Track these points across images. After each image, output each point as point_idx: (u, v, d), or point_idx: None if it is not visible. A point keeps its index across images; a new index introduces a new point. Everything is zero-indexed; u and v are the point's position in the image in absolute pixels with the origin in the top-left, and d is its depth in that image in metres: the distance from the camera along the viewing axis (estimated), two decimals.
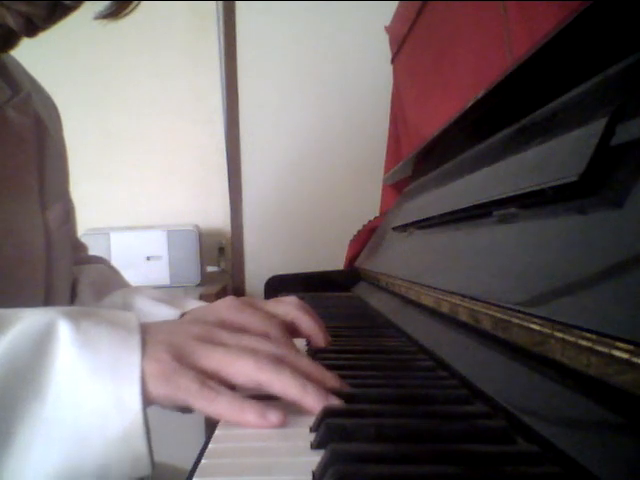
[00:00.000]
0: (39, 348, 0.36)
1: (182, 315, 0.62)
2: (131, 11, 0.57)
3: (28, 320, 0.37)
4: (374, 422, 0.33)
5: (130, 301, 0.67)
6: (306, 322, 0.53)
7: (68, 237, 0.72)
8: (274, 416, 0.36)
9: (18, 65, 0.68)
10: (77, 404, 0.35)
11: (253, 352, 0.40)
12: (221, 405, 0.37)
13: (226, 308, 0.50)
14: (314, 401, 0.38)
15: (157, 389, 0.36)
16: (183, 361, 0.38)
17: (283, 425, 0.36)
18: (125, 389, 0.35)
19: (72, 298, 0.73)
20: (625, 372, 0.26)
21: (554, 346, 0.32)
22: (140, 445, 0.35)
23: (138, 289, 0.72)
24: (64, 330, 0.37)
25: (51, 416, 0.34)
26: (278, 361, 0.40)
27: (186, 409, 0.41)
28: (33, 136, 0.64)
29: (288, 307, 0.54)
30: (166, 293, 0.69)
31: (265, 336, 0.45)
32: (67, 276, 0.71)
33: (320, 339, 0.53)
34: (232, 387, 0.40)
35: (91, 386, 0.35)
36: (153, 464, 0.36)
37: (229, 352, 0.40)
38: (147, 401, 0.36)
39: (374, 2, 1.73)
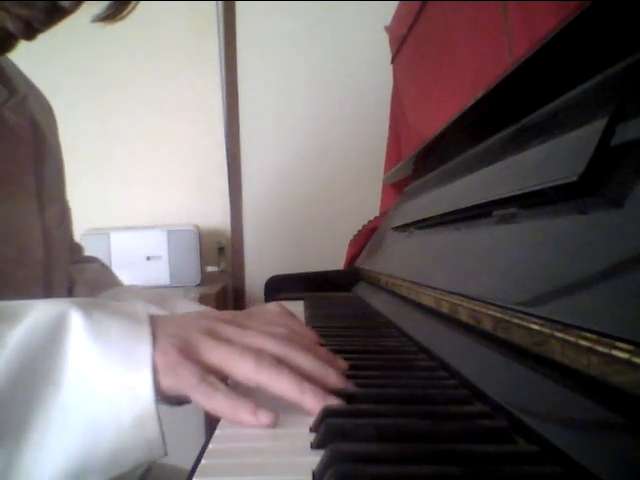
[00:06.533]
0: (53, 337, 0.37)
1: None
2: (128, 14, 0.57)
3: (41, 311, 0.38)
4: (374, 422, 0.33)
5: (121, 300, 0.68)
6: (295, 327, 0.54)
7: (65, 237, 0.72)
8: (265, 416, 0.37)
9: (14, 66, 0.68)
10: (90, 392, 0.36)
11: (255, 352, 0.40)
12: (216, 401, 0.38)
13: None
14: (312, 402, 0.38)
15: (165, 381, 0.38)
16: (187, 354, 0.39)
17: (274, 425, 0.37)
18: (137, 378, 0.37)
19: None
20: (625, 372, 0.26)
21: (554, 346, 0.32)
22: (153, 430, 0.36)
23: (129, 288, 0.73)
24: (77, 320, 0.38)
25: (66, 403, 0.35)
26: (278, 361, 0.40)
27: (183, 401, 0.42)
28: (30, 137, 0.64)
29: (273, 317, 0.55)
30: (158, 293, 0.70)
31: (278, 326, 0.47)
32: (65, 276, 0.71)
33: (311, 339, 0.54)
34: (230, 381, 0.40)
35: (104, 374, 0.36)
36: (166, 448, 0.37)
37: (232, 351, 0.40)
38: (156, 390, 0.37)
39: (374, 2, 1.73)
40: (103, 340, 0.37)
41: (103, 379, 0.36)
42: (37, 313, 0.38)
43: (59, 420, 0.35)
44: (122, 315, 0.40)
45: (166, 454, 0.38)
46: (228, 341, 0.41)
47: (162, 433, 0.37)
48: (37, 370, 0.36)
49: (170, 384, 0.38)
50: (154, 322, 0.41)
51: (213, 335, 0.42)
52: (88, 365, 0.36)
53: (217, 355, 0.40)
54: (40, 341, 0.37)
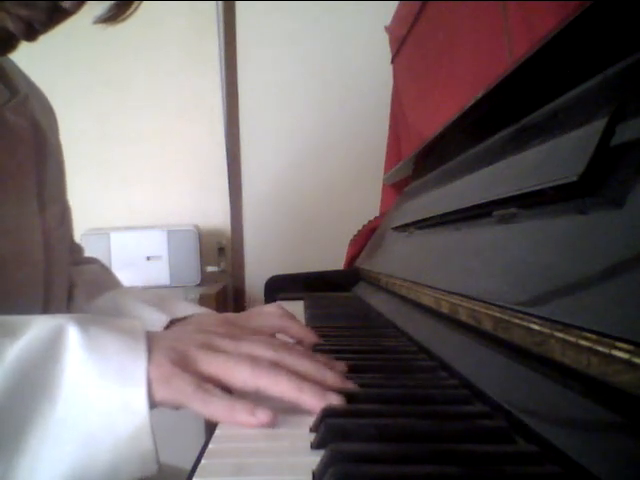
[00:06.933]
0: (50, 352, 0.37)
1: (171, 321, 0.62)
2: (130, 15, 0.57)
3: (39, 326, 0.38)
4: (374, 422, 0.33)
5: (121, 303, 0.68)
6: (295, 328, 0.55)
7: (65, 237, 0.72)
8: (263, 414, 0.37)
9: (14, 67, 0.68)
10: (86, 406, 0.36)
11: (251, 359, 0.41)
12: (214, 406, 0.38)
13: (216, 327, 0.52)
14: (312, 400, 0.38)
15: (159, 392, 0.38)
16: (183, 366, 0.39)
17: (273, 424, 0.37)
18: (132, 393, 0.37)
19: (68, 299, 0.73)
20: (625, 372, 0.26)
21: (554, 346, 0.32)
22: (147, 445, 0.37)
23: (129, 291, 0.73)
24: (73, 335, 0.38)
25: (62, 417, 0.36)
26: (274, 365, 0.41)
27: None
28: (31, 138, 0.64)
29: (273, 319, 0.55)
30: (157, 295, 0.70)
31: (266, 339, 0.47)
32: (65, 276, 0.71)
33: (312, 340, 0.56)
34: (230, 391, 0.40)
35: (100, 389, 0.36)
36: (159, 464, 0.37)
37: (228, 359, 0.41)
38: (151, 404, 0.37)
39: (374, 2, 1.73)
40: (99, 356, 0.38)
41: (99, 394, 0.36)
42: (36, 328, 0.38)
43: (56, 432, 0.35)
44: (119, 331, 0.40)
45: (159, 470, 0.37)
46: (224, 352, 0.42)
47: (156, 448, 0.37)
48: (34, 384, 0.36)
49: (165, 395, 0.38)
50: (150, 338, 0.41)
51: (209, 347, 0.42)
52: (84, 380, 0.37)
53: (214, 365, 0.40)
54: (38, 356, 0.37)
